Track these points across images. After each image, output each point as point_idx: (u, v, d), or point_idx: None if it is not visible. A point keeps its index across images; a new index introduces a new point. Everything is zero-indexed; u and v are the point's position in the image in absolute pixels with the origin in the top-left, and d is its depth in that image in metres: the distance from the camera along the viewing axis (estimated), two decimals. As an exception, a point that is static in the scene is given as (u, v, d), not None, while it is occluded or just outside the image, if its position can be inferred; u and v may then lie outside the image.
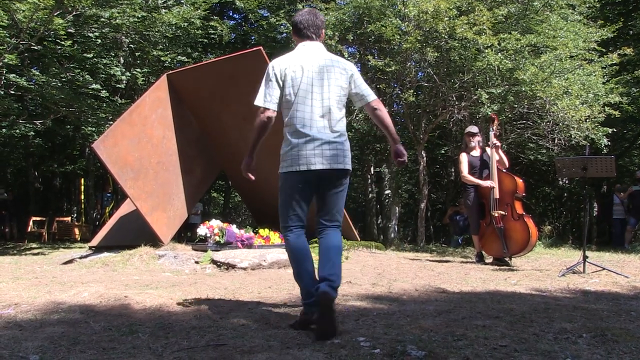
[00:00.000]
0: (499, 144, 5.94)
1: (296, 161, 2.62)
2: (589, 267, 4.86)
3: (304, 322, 2.56)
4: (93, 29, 9.07)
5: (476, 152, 6.11)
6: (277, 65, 2.69)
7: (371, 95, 2.77)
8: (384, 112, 2.78)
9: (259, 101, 2.68)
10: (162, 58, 10.43)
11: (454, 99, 9.23)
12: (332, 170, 2.62)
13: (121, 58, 10.69)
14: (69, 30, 8.54)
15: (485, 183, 5.84)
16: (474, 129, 6.26)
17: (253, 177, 2.84)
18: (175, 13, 9.92)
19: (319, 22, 2.81)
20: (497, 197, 5.75)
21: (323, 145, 2.61)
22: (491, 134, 5.95)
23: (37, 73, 8.94)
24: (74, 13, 8.21)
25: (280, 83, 2.66)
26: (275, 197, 8.16)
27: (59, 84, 8.80)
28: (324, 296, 2.44)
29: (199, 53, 12.38)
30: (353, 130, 11.10)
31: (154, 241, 5.97)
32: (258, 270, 5.21)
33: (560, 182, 15.17)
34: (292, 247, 2.67)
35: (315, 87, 2.66)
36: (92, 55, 9.48)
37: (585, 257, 4.85)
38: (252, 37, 13.53)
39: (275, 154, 7.33)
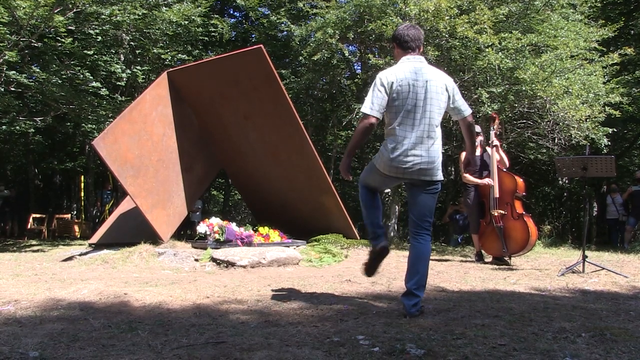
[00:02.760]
0: (499, 143, 5.94)
1: (393, 169, 2.87)
2: (588, 266, 4.87)
3: (373, 258, 3.03)
4: (93, 26, 9.05)
5: (477, 152, 6.11)
6: (386, 77, 2.85)
7: (467, 111, 2.99)
8: (474, 127, 3.08)
9: (365, 109, 2.85)
10: (162, 56, 10.41)
11: (455, 98, 9.22)
12: (423, 181, 2.89)
13: (121, 55, 10.66)
14: (70, 28, 8.52)
15: (484, 181, 5.84)
16: (476, 128, 6.25)
17: (351, 178, 3.10)
18: (176, 10, 9.90)
19: (422, 36, 2.99)
20: (497, 196, 5.75)
21: (420, 159, 2.83)
22: (492, 133, 5.95)
23: (38, 70, 8.91)
24: (74, 10, 8.19)
25: (388, 93, 2.83)
26: (274, 195, 8.08)
27: (59, 81, 8.77)
28: (407, 312, 2.81)
29: (199, 51, 12.35)
30: (354, 129, 11.09)
31: (154, 239, 5.98)
32: (257, 268, 5.21)
33: (560, 182, 15.15)
34: (363, 196, 3.10)
35: (418, 102, 2.83)
36: (92, 52, 9.45)
37: (584, 257, 4.85)
38: (253, 35, 13.52)
39: (274, 152, 7.28)
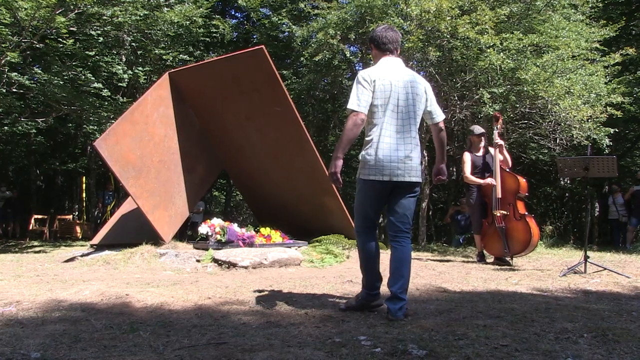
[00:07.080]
0: (502, 143, 5.92)
1: (380, 171, 2.81)
2: (590, 267, 4.86)
3: (362, 306, 2.93)
4: (95, 27, 9.06)
5: (479, 152, 6.10)
6: (368, 74, 2.84)
7: (440, 116, 3.01)
8: (445, 133, 3.07)
9: (352, 105, 2.79)
10: (164, 56, 10.43)
11: (456, 98, 9.22)
12: (409, 182, 2.86)
13: (123, 56, 10.68)
14: (71, 29, 8.53)
15: (486, 181, 5.83)
16: (480, 129, 6.23)
17: (341, 184, 2.94)
18: (177, 11, 9.91)
19: (400, 39, 3.00)
20: (500, 196, 5.74)
21: (405, 159, 2.83)
22: (495, 133, 5.93)
23: (39, 71, 8.94)
24: (76, 11, 8.20)
25: (372, 90, 2.80)
26: (276, 196, 8.08)
27: (61, 82, 8.79)
28: (393, 316, 2.74)
29: (200, 52, 12.37)
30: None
31: (156, 239, 5.98)
32: (259, 269, 5.21)
33: (562, 182, 15.13)
34: (363, 247, 2.96)
35: (400, 102, 2.83)
36: (94, 53, 9.47)
37: (586, 257, 4.84)
38: (254, 36, 13.53)
39: (275, 153, 7.26)
